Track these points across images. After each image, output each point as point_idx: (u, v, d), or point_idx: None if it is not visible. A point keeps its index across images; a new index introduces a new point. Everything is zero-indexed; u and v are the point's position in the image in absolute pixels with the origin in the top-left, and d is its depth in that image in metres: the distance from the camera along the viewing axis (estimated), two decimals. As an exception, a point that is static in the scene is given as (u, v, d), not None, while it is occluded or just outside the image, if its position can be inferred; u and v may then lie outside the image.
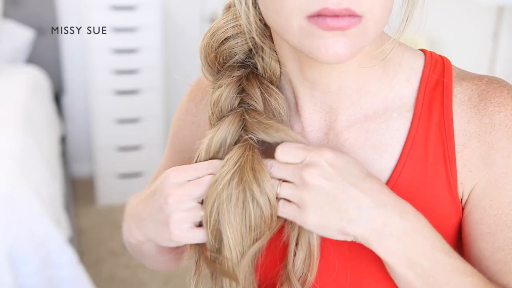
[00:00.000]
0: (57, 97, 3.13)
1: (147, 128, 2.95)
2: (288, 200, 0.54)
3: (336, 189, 0.51)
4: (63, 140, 3.05)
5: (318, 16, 0.46)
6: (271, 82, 0.60)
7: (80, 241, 2.59)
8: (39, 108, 2.51)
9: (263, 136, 0.56)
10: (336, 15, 0.46)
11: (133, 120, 2.92)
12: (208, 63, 0.61)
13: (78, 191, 3.13)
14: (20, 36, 2.85)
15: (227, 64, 0.60)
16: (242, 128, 0.57)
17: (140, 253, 0.70)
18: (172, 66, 3.23)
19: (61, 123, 2.99)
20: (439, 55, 0.61)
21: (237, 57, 0.60)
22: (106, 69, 2.80)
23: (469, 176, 0.55)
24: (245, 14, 0.56)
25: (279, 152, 0.54)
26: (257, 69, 0.60)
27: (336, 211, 0.51)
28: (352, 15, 0.46)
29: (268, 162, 0.55)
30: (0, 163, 1.76)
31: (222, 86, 0.58)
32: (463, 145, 0.55)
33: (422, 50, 0.62)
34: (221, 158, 0.56)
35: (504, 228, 0.55)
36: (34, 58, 2.98)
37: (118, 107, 2.87)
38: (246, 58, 0.60)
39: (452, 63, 0.61)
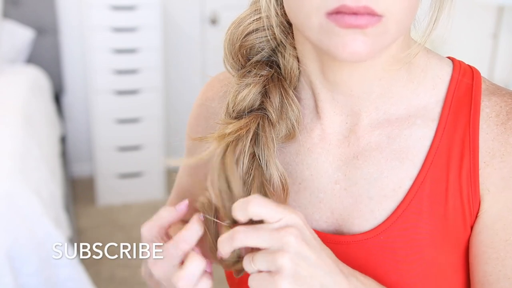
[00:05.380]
0: (57, 97, 3.13)
1: (147, 128, 2.94)
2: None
3: (317, 258, 0.47)
4: (63, 140, 3.05)
5: (337, 13, 0.46)
6: (292, 84, 0.59)
7: (80, 241, 2.59)
8: (39, 108, 2.51)
9: (259, 155, 0.55)
10: (354, 13, 0.45)
11: (133, 120, 2.92)
12: (231, 56, 0.59)
13: (78, 191, 3.13)
14: (20, 36, 2.85)
15: (253, 60, 0.59)
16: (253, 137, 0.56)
17: None
18: (172, 66, 3.23)
19: (61, 123, 2.99)
20: (468, 65, 0.59)
21: (263, 53, 0.59)
22: (106, 69, 2.79)
23: (486, 195, 0.53)
24: (267, 9, 0.56)
25: (253, 204, 0.48)
26: (280, 69, 0.59)
27: (313, 277, 0.47)
28: (370, 13, 0.46)
29: (231, 232, 0.49)
30: (0, 163, 1.76)
31: (250, 85, 0.57)
32: (485, 163, 0.53)
33: (450, 58, 0.60)
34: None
35: None
36: (34, 58, 2.98)
37: (118, 107, 2.87)
38: (271, 55, 0.59)
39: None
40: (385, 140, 0.57)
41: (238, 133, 0.55)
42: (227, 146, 0.54)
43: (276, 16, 0.56)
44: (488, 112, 0.54)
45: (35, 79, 2.73)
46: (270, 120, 0.57)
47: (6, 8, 2.87)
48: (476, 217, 0.55)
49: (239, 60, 0.60)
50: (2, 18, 2.81)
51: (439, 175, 0.55)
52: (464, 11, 2.49)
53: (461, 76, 0.57)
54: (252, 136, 0.55)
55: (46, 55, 3.02)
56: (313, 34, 0.49)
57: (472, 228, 0.55)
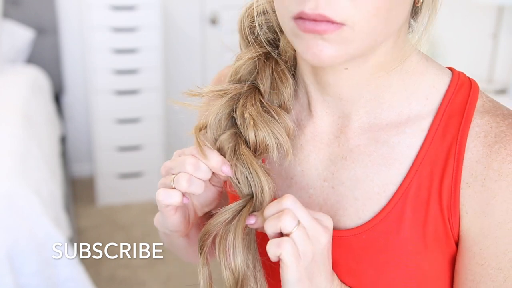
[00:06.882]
0: (57, 97, 3.13)
1: (147, 128, 2.95)
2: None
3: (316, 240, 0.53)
4: (63, 140, 3.05)
5: (299, 18, 0.48)
6: (289, 65, 0.61)
7: (80, 241, 2.59)
8: (39, 108, 2.51)
9: (236, 117, 0.58)
10: (313, 19, 0.47)
11: (133, 120, 2.92)
12: (242, 38, 0.63)
13: (78, 191, 3.13)
14: (20, 36, 2.85)
15: (255, 40, 0.62)
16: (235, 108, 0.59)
17: (171, 245, 0.70)
18: (172, 66, 3.23)
19: (61, 123, 2.99)
20: (468, 77, 0.59)
21: (268, 35, 0.61)
22: (106, 69, 2.80)
23: (465, 217, 0.54)
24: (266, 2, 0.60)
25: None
26: (278, 49, 0.61)
27: (308, 251, 0.52)
28: (329, 21, 0.47)
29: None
30: (0, 163, 1.77)
31: (242, 59, 0.61)
32: (467, 183, 0.54)
33: (450, 68, 0.60)
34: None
35: (488, 281, 0.53)
36: (34, 58, 2.98)
37: (118, 107, 2.87)
38: (273, 37, 0.62)
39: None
40: (374, 144, 0.58)
41: (218, 92, 0.59)
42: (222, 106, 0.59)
43: (273, 12, 0.60)
44: (478, 131, 0.54)
45: (35, 79, 2.73)
46: (259, 90, 0.60)
47: (6, 8, 2.87)
48: (459, 232, 0.55)
49: (247, 39, 0.63)
50: (2, 18, 2.81)
51: (423, 183, 0.55)
52: (464, 11, 2.49)
53: (457, 88, 0.57)
54: (234, 98, 0.59)
55: (46, 55, 3.02)
56: (289, 36, 0.52)
57: (456, 242, 0.56)
